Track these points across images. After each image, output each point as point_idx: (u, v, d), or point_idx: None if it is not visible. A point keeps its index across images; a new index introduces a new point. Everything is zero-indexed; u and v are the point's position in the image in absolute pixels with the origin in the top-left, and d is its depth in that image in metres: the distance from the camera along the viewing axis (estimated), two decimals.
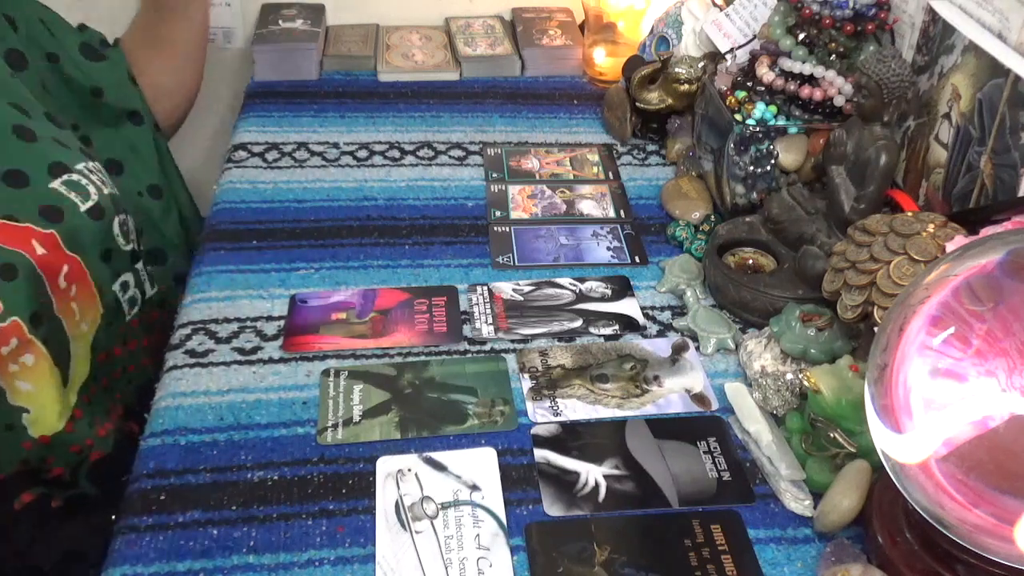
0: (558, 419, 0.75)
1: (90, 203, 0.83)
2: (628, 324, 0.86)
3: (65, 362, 0.81)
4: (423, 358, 0.81)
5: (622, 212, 1.01)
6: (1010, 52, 0.76)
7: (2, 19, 0.92)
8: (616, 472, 0.71)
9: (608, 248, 0.95)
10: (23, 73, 0.91)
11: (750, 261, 0.90)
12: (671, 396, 0.78)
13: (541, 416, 0.76)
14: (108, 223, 0.85)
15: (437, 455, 0.71)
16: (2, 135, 0.81)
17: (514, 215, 1.00)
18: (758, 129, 0.90)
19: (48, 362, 0.78)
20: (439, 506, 0.67)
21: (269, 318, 0.84)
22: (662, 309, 0.88)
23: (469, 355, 0.82)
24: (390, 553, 0.64)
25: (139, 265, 0.90)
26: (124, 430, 0.88)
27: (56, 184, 0.81)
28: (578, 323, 0.85)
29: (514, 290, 0.89)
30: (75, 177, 0.83)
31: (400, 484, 0.69)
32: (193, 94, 1.20)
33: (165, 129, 1.13)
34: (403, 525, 0.66)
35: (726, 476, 0.71)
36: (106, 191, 0.85)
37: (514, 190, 1.04)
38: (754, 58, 0.95)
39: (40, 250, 0.77)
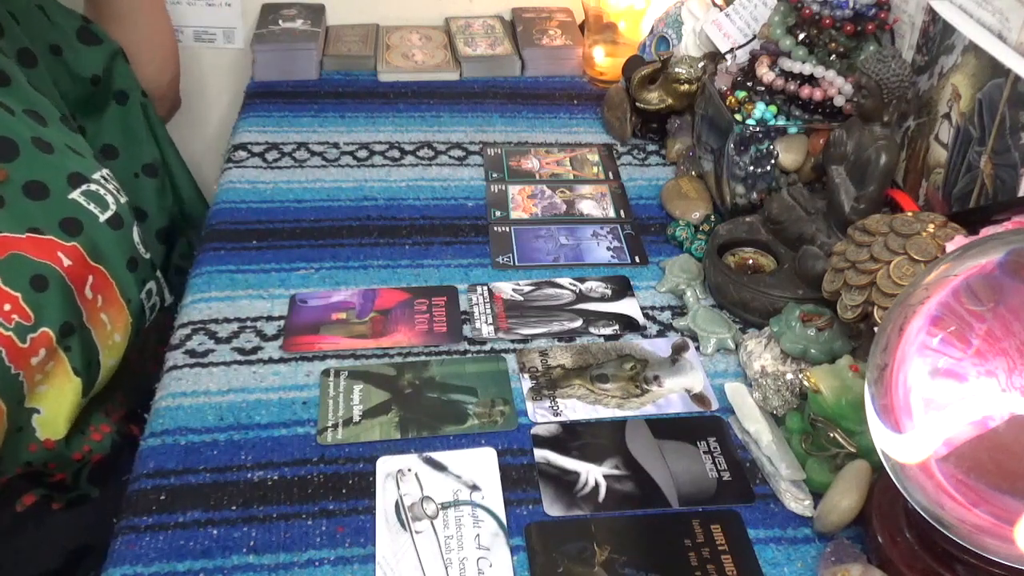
0: (558, 419, 0.75)
1: (109, 213, 0.82)
2: (628, 324, 0.86)
3: (93, 373, 0.80)
4: (423, 358, 0.81)
5: (622, 212, 1.01)
6: (1010, 52, 0.76)
7: (6, 15, 0.90)
8: (616, 472, 0.71)
9: (608, 248, 0.95)
10: (34, 71, 0.90)
11: (750, 261, 0.90)
12: (671, 396, 0.78)
13: (541, 416, 0.76)
14: (128, 232, 0.84)
15: (437, 455, 0.71)
16: (23, 148, 0.80)
17: (514, 215, 1.00)
18: (758, 129, 0.90)
19: (66, 367, 0.77)
20: (439, 506, 0.67)
21: (269, 318, 0.84)
22: (662, 309, 0.88)
23: (469, 355, 0.82)
24: (390, 553, 0.64)
25: (158, 272, 0.90)
26: (124, 432, 0.87)
27: (75, 195, 0.81)
28: (578, 323, 0.85)
29: (514, 290, 0.89)
30: (93, 187, 0.83)
31: (400, 484, 0.69)
32: (173, 65, 1.14)
33: (158, 103, 1.08)
34: (403, 525, 0.66)
35: (726, 476, 0.71)
36: (122, 200, 0.85)
37: (514, 190, 1.04)
38: (754, 58, 0.95)
39: (67, 261, 0.77)
